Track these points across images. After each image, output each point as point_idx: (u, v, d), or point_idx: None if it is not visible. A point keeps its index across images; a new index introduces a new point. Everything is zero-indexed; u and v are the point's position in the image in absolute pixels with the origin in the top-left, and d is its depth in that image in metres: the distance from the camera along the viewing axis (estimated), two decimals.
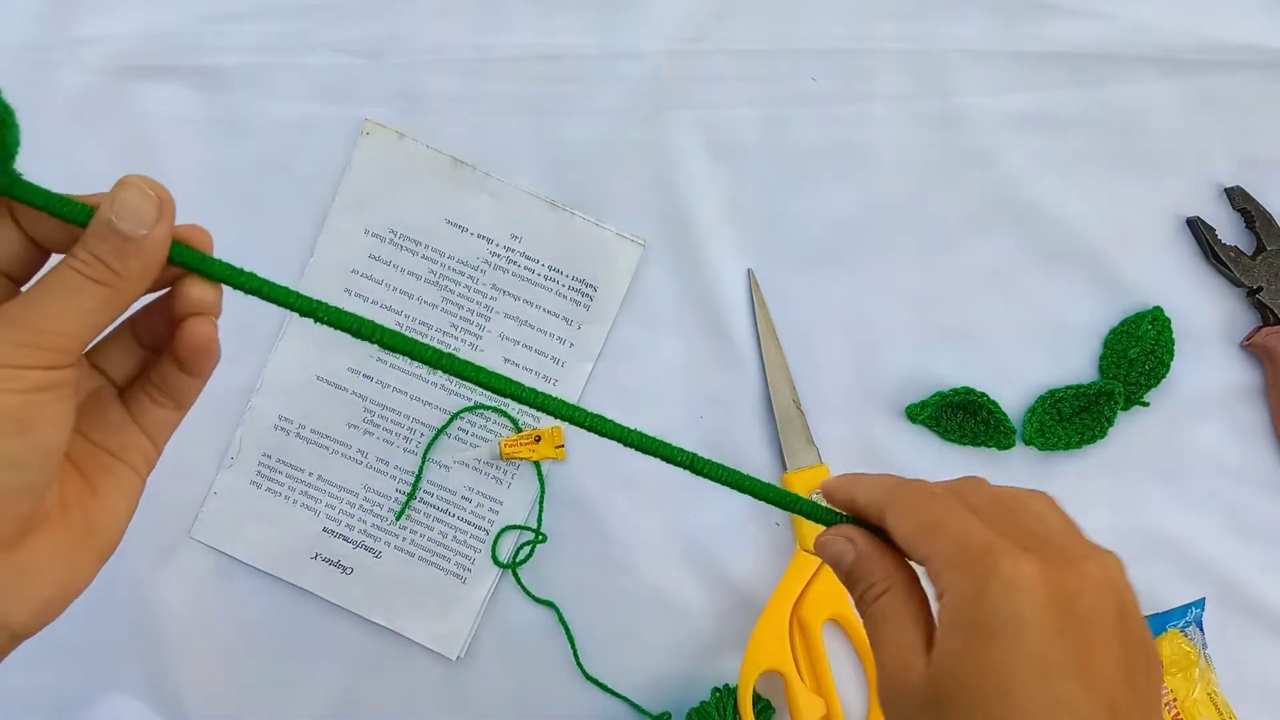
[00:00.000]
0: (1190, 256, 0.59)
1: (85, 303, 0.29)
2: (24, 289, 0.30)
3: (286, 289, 0.33)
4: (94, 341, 0.31)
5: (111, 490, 0.34)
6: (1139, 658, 0.30)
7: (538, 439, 0.57)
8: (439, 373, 0.58)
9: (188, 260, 0.32)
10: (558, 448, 0.57)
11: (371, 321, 0.34)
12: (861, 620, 0.34)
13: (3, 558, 0.29)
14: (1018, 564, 0.30)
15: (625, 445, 0.36)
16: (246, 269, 0.33)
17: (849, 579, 0.35)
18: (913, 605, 0.33)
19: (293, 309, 0.33)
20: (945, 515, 0.32)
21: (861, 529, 0.35)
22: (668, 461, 0.36)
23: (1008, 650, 0.29)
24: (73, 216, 0.30)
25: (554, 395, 0.36)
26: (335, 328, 0.33)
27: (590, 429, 0.36)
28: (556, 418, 0.35)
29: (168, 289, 0.33)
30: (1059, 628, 0.29)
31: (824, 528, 0.36)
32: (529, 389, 0.35)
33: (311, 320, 0.33)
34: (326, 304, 0.33)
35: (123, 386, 0.35)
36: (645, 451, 0.36)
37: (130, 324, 0.35)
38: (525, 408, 0.58)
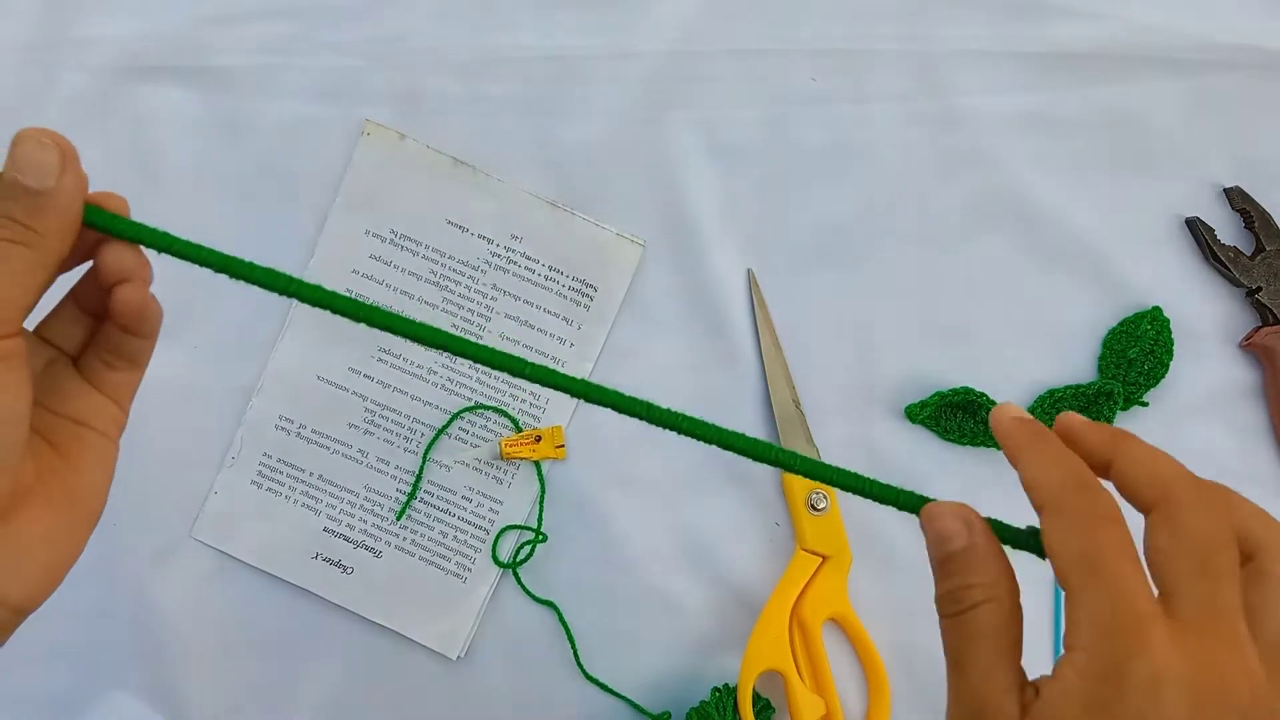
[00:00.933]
0: (1189, 257, 0.59)
1: (12, 266, 0.29)
2: None
3: (204, 248, 0.32)
4: (35, 312, 0.31)
5: (85, 458, 0.33)
6: None
7: (538, 439, 0.57)
8: (439, 373, 0.58)
9: (101, 222, 0.31)
10: (558, 447, 0.57)
11: (338, 295, 0.34)
12: (941, 624, 0.30)
13: None
14: (1167, 657, 0.25)
15: (645, 420, 0.34)
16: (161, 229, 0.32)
17: (946, 566, 0.30)
18: (1013, 630, 0.28)
19: (214, 268, 0.32)
20: (1112, 553, 0.27)
21: (981, 517, 0.30)
22: (690, 435, 0.35)
23: None
24: None
25: (555, 369, 0.35)
26: (252, 283, 0.33)
27: (602, 403, 0.35)
28: (562, 391, 0.34)
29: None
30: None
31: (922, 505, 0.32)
32: (523, 361, 0.34)
33: (229, 278, 0.32)
34: (244, 261, 0.32)
35: (76, 355, 0.35)
36: (667, 426, 0.34)
37: (72, 294, 0.35)
38: (525, 408, 0.58)
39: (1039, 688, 0.27)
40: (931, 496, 0.33)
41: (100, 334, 0.35)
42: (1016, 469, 0.31)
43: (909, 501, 0.33)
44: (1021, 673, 0.28)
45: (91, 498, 0.33)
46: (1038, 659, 0.58)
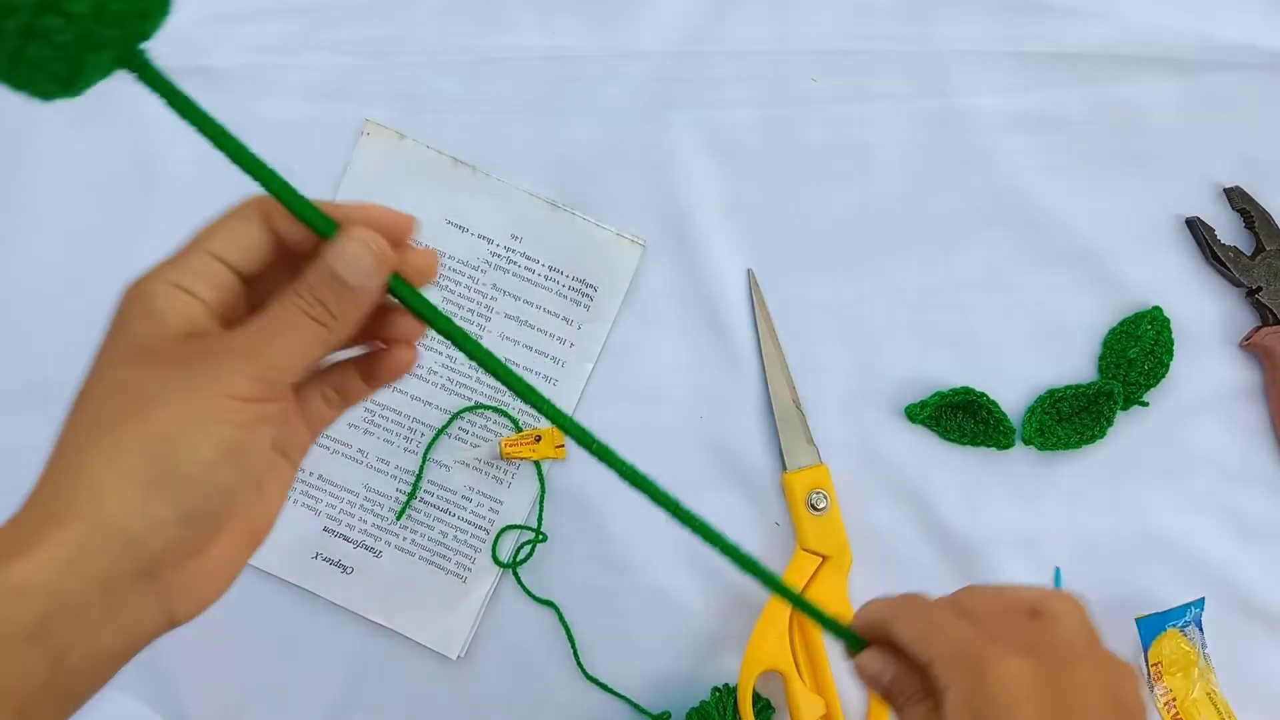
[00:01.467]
0: (1189, 256, 0.59)
1: (305, 338, 0.31)
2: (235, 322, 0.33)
3: (496, 360, 0.34)
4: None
5: (274, 487, 0.35)
6: None
7: (538, 438, 0.57)
8: (439, 372, 0.58)
9: (406, 298, 0.33)
10: (558, 447, 0.57)
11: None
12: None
13: (187, 566, 0.31)
14: (1009, 661, 0.32)
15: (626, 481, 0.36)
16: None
17: (888, 692, 0.37)
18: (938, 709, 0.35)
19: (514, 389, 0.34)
20: (942, 620, 0.35)
21: (888, 650, 0.37)
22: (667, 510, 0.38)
23: None
24: (316, 224, 0.32)
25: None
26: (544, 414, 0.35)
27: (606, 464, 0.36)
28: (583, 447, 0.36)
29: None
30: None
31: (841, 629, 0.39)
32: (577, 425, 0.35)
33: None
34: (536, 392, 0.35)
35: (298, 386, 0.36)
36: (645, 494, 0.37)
37: None
38: (525, 407, 0.58)
39: None
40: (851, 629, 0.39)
41: (334, 373, 0.36)
42: (862, 628, 0.38)
43: (846, 638, 0.39)
44: None
45: (266, 524, 0.34)
46: None
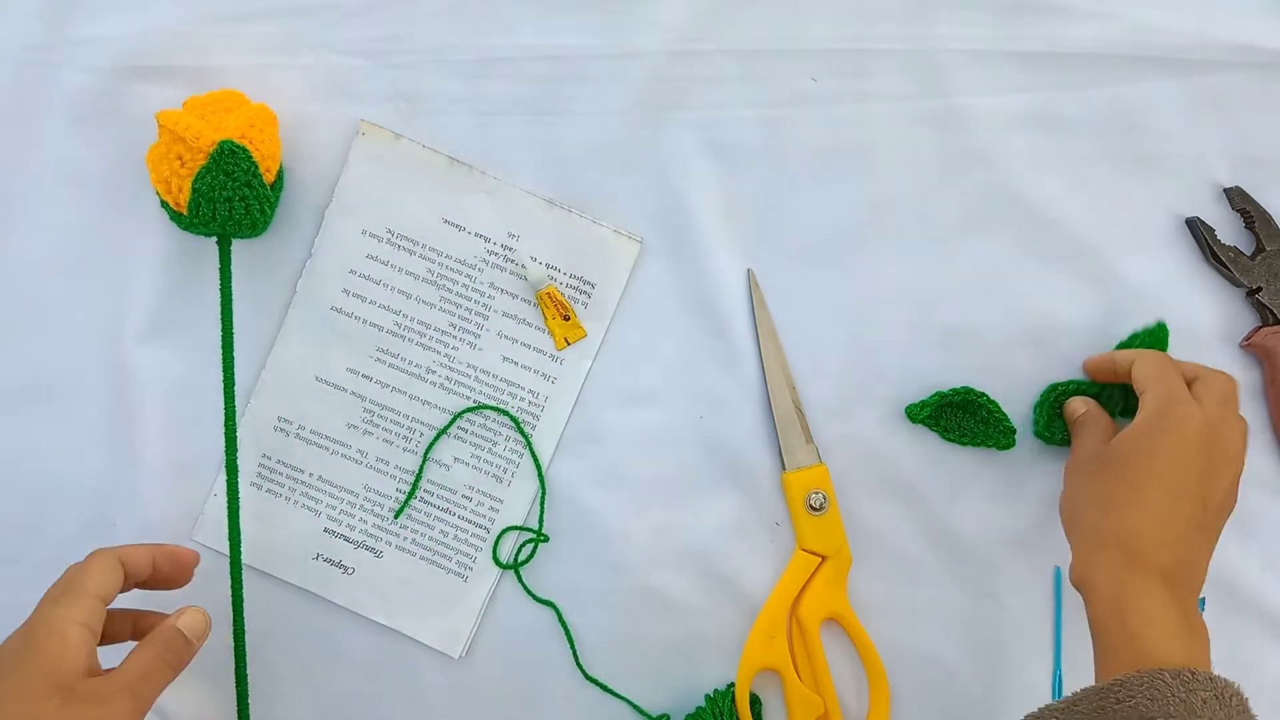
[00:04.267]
0: (1190, 256, 0.59)
1: (165, 678, 0.45)
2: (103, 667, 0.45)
3: None
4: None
5: None
6: (1219, 476, 0.50)
7: (567, 317, 0.56)
8: (438, 372, 0.58)
9: None
10: (578, 330, 0.57)
11: None
12: (1072, 429, 0.56)
13: None
14: (1190, 408, 0.50)
15: None
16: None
17: (1080, 418, 0.55)
18: (1104, 425, 0.54)
19: None
20: (1165, 371, 0.52)
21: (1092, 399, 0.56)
22: None
23: (1171, 437, 0.49)
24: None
25: None
26: None
27: None
28: None
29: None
30: (1197, 445, 0.49)
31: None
32: None
33: None
34: None
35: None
36: None
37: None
38: (525, 407, 0.58)
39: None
40: None
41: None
42: (1115, 362, 0.56)
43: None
44: (1107, 439, 0.54)
45: None
46: (1038, 656, 0.58)
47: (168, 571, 0.49)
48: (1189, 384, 0.52)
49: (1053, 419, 0.57)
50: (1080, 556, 0.50)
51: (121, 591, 0.47)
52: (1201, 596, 0.56)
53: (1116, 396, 0.57)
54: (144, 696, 0.43)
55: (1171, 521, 0.48)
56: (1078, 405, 0.56)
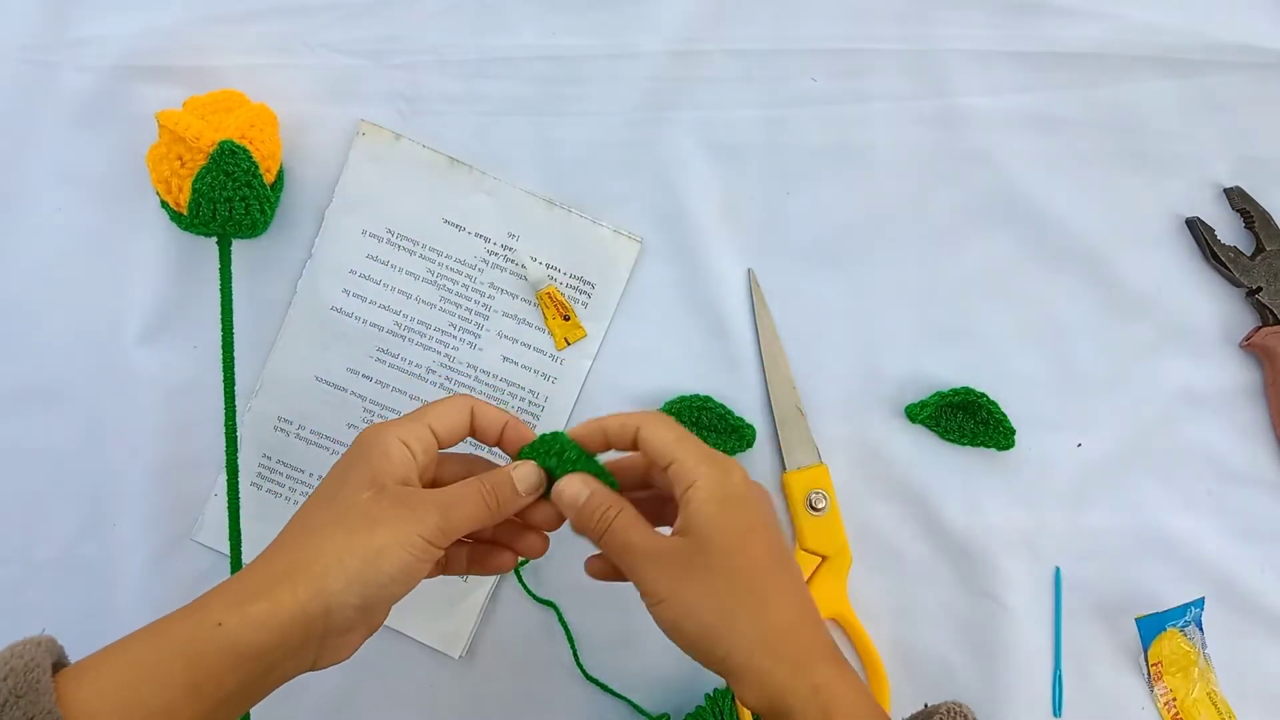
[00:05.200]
0: (1190, 257, 0.59)
1: (477, 512, 0.44)
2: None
3: None
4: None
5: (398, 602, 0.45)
6: (762, 512, 0.45)
7: (567, 317, 0.56)
8: (437, 372, 0.58)
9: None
10: (578, 330, 0.57)
11: None
12: (604, 542, 0.44)
13: (342, 637, 0.42)
14: (739, 466, 0.45)
15: None
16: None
17: (584, 511, 0.44)
18: (637, 513, 0.44)
19: None
20: (686, 432, 0.45)
21: (590, 474, 0.45)
22: None
23: (752, 511, 0.44)
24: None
25: None
26: None
27: None
28: None
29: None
30: (768, 504, 0.45)
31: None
32: None
33: None
34: None
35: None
36: None
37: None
38: (525, 406, 0.58)
39: (681, 508, 0.43)
40: None
41: (481, 547, 0.49)
42: (607, 432, 0.46)
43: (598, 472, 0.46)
44: (655, 526, 0.45)
45: (383, 620, 0.45)
46: (1038, 657, 0.58)
47: (512, 447, 0.47)
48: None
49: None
50: (753, 681, 0.41)
51: (465, 441, 0.46)
52: (1201, 596, 0.57)
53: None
54: (452, 520, 0.42)
55: (805, 601, 0.44)
56: (578, 487, 0.45)
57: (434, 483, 0.47)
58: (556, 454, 0.46)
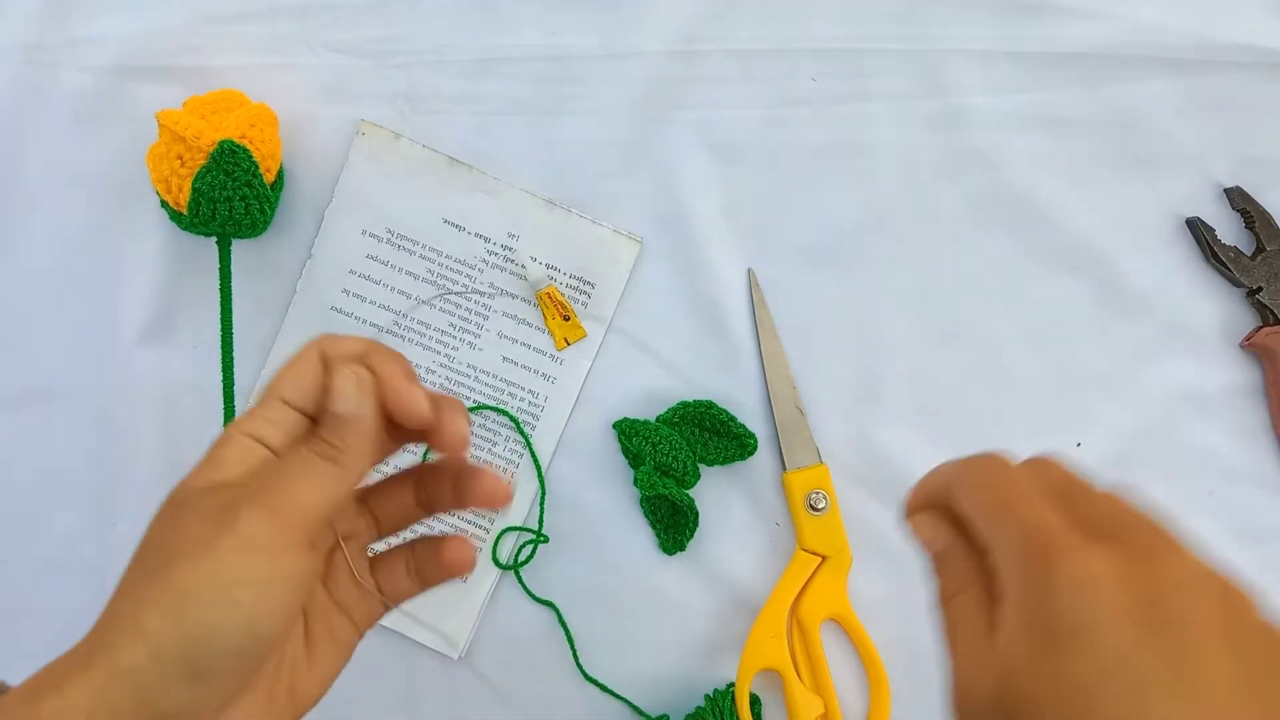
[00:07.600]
0: (1190, 257, 0.59)
1: (317, 477, 0.32)
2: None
3: None
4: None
5: (327, 651, 0.35)
6: (1264, 669, 0.24)
7: (567, 317, 0.56)
8: (437, 372, 0.58)
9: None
10: (578, 330, 0.57)
11: None
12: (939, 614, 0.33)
13: None
14: (1088, 558, 0.26)
15: None
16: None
17: (937, 564, 0.33)
18: (990, 608, 0.29)
19: None
20: (1016, 496, 0.29)
21: (949, 519, 0.32)
22: None
23: (1083, 661, 0.24)
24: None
25: None
26: None
27: None
28: None
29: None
30: (1142, 636, 0.24)
31: None
32: None
33: None
34: None
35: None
36: None
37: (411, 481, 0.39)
38: (525, 407, 0.58)
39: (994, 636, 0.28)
40: None
41: (418, 548, 0.38)
42: (927, 491, 0.34)
43: None
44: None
45: (312, 692, 0.35)
46: None
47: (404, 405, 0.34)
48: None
49: (658, 506, 0.57)
50: None
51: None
52: None
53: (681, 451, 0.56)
54: (285, 505, 0.31)
55: None
56: (926, 529, 0.34)
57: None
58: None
